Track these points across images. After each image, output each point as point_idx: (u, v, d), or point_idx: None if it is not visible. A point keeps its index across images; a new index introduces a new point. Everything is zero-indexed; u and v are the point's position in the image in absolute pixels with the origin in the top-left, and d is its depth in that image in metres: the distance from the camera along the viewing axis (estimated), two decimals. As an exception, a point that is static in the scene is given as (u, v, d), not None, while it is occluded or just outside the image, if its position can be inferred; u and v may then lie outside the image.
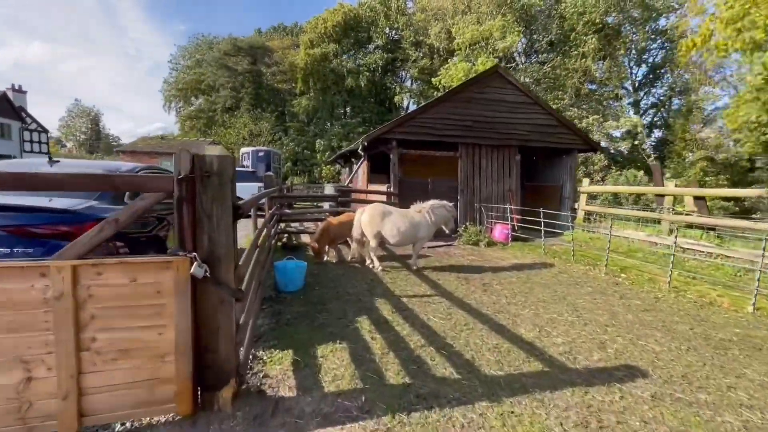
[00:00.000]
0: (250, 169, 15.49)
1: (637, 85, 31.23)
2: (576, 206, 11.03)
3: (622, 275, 6.81)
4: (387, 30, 34.74)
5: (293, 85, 36.96)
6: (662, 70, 30.58)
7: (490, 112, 10.21)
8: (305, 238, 9.27)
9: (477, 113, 10.11)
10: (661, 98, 31.08)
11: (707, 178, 26.67)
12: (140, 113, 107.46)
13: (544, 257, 8.19)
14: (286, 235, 8.78)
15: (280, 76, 37.67)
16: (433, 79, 27.24)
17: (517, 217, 10.04)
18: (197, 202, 2.34)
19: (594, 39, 26.10)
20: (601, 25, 26.73)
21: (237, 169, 16.23)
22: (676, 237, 6.78)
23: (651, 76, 31.13)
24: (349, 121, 33.41)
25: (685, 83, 29.47)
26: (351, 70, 32.84)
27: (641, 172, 23.75)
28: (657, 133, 31.12)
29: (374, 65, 32.65)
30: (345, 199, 8.79)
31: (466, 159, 10.26)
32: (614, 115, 27.74)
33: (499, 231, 9.76)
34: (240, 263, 2.76)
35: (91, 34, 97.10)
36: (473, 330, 4.10)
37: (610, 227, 7.26)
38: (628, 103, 30.07)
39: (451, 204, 7.01)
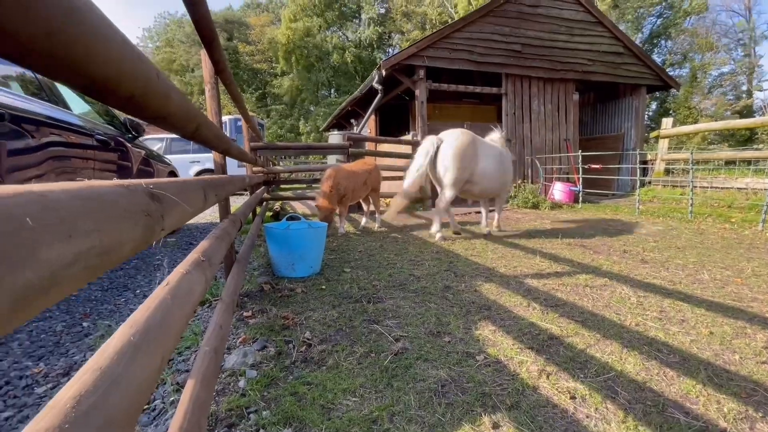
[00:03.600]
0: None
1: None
2: (649, 158, 8.62)
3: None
4: (373, 1, 31.77)
5: (273, 64, 33.77)
6: (661, 38, 28.77)
7: (545, 33, 7.74)
8: (302, 208, 6.71)
9: (528, 34, 7.63)
10: (661, 66, 29.38)
11: (711, 146, 25.17)
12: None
13: (643, 217, 5.82)
14: (278, 203, 6.20)
15: (258, 55, 34.32)
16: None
17: (578, 175, 7.62)
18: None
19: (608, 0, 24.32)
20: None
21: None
22: None
23: (647, 45, 29.20)
24: (336, 99, 30.51)
25: (687, 50, 28.09)
26: (337, 45, 29.89)
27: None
28: (653, 105, 29.14)
29: (368, 40, 29.67)
30: (357, 151, 6.22)
31: (513, 97, 7.78)
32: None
33: (561, 191, 7.35)
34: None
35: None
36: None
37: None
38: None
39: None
